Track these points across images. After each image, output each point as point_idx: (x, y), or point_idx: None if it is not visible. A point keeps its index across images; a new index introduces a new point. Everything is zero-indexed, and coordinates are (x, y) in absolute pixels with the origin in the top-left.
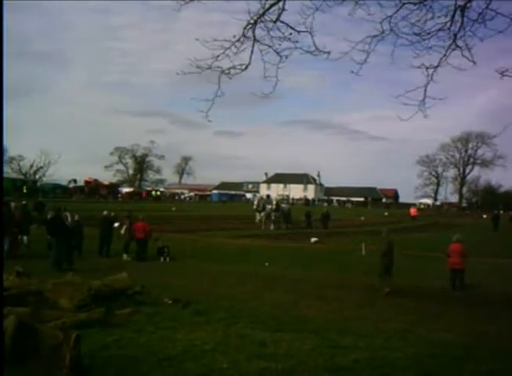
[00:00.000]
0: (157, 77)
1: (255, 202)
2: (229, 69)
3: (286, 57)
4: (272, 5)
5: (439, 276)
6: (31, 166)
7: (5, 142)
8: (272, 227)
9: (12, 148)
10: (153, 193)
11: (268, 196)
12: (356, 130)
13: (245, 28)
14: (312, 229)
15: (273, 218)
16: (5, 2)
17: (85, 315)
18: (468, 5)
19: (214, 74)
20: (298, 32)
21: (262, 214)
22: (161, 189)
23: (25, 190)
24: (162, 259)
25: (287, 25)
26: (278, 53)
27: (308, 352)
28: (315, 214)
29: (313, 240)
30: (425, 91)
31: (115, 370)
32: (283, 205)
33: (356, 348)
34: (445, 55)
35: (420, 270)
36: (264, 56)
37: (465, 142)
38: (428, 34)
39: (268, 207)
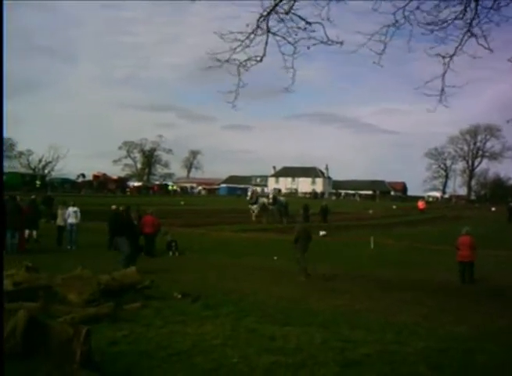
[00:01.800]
0: (166, 71)
1: (248, 193)
2: (246, 61)
3: (308, 48)
4: None
5: (448, 269)
6: (40, 161)
7: (13, 137)
8: (264, 221)
9: (20, 143)
10: (170, 186)
11: (279, 190)
12: (365, 123)
13: (258, 20)
14: (309, 222)
15: (271, 211)
16: (5, 2)
17: (94, 310)
18: None
19: (222, 70)
20: (310, 24)
21: (255, 206)
22: (169, 183)
23: (38, 185)
24: (171, 253)
25: (299, 17)
26: (292, 44)
27: (318, 346)
28: (317, 207)
29: (321, 233)
30: (443, 80)
31: (125, 365)
32: (281, 198)
33: (366, 342)
34: (460, 44)
35: (429, 263)
36: (281, 47)
37: (473, 134)
38: (443, 23)
39: (262, 199)
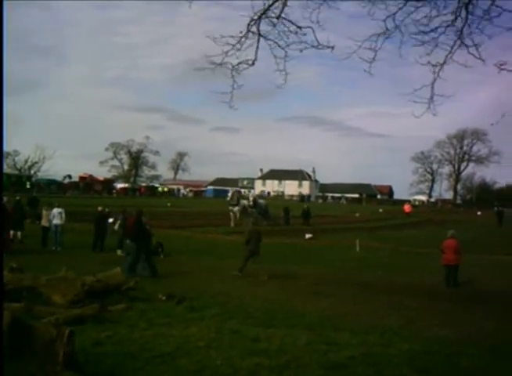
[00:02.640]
0: (156, 72)
1: (229, 195)
2: (238, 64)
3: (301, 51)
4: (274, 1)
5: (434, 272)
6: (26, 161)
7: (4, 140)
8: (244, 224)
9: (7, 143)
10: (160, 188)
11: (268, 192)
12: (352, 126)
13: (249, 24)
14: (290, 225)
15: (250, 213)
16: (5, 2)
17: (79, 311)
18: (473, 1)
19: (208, 71)
20: (300, 28)
21: (236, 208)
22: (156, 185)
23: (28, 186)
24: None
25: (290, 21)
26: (283, 48)
27: (302, 348)
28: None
29: (307, 236)
30: (432, 88)
31: (109, 366)
32: (261, 201)
33: (351, 344)
34: (450, 52)
35: (414, 267)
36: (272, 50)
37: (460, 138)
38: (434, 31)
39: (243, 202)
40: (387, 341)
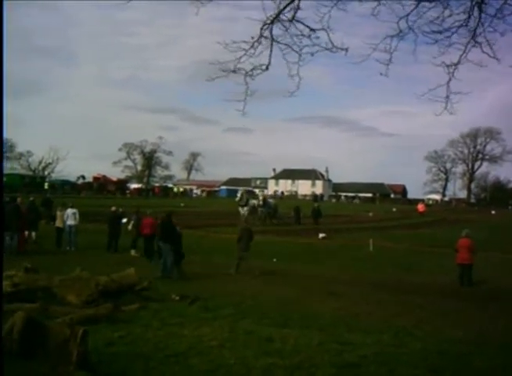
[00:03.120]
0: (168, 73)
1: (238, 195)
2: (252, 70)
3: (312, 54)
4: (287, 5)
5: (448, 271)
6: (40, 162)
7: (13, 138)
8: (251, 223)
9: (21, 144)
10: (176, 189)
11: (282, 192)
12: (365, 126)
13: (262, 28)
14: (300, 224)
15: (260, 213)
16: (5, 2)
17: (93, 311)
18: (486, 0)
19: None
20: (314, 30)
21: (245, 209)
22: (170, 185)
23: (47, 186)
24: None
25: (303, 23)
26: (297, 52)
27: (315, 348)
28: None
29: (321, 235)
30: (448, 87)
31: (122, 366)
32: (270, 200)
33: (363, 344)
34: (464, 52)
35: (428, 266)
36: (284, 55)
37: (474, 137)
38: (447, 31)
39: (253, 201)
40: (400, 341)
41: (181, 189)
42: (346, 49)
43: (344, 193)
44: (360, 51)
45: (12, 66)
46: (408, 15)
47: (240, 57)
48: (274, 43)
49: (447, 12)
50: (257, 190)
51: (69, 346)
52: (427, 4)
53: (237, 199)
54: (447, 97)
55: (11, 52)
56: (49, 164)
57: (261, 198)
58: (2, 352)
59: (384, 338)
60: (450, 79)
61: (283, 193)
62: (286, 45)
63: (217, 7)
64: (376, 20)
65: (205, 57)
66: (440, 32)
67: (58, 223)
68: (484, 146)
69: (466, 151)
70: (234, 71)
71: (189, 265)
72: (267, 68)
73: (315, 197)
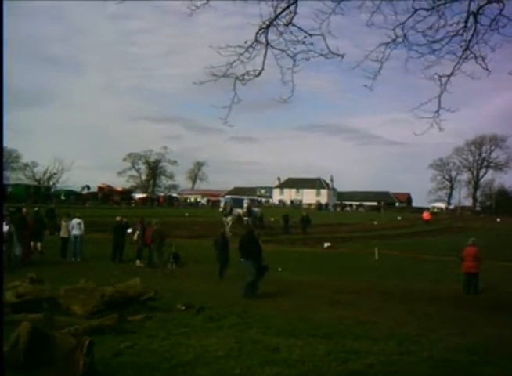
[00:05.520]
0: (173, 82)
1: (221, 205)
2: (243, 75)
3: (307, 60)
4: (284, 9)
5: (453, 280)
6: (45, 172)
7: (18, 149)
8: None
9: (25, 154)
10: (188, 199)
11: (292, 201)
12: (370, 134)
13: (257, 33)
14: (290, 234)
15: (245, 223)
16: (5, 2)
17: (98, 321)
18: (481, 11)
19: (229, 79)
20: (310, 35)
21: (229, 218)
22: (174, 195)
23: (63, 197)
24: (170, 265)
25: (300, 28)
26: (291, 57)
27: (322, 357)
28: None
29: (326, 245)
30: (439, 101)
31: None
32: (255, 209)
33: (370, 352)
34: (458, 63)
35: (434, 274)
36: (278, 60)
37: (479, 145)
38: (441, 41)
39: (237, 211)
40: (406, 350)
41: (191, 200)
42: (342, 55)
43: (349, 202)
44: (359, 59)
45: (19, 76)
46: (404, 23)
47: (233, 62)
48: (268, 50)
49: (442, 22)
50: (262, 199)
51: (75, 357)
52: (422, 13)
53: (220, 209)
54: (437, 111)
55: (17, 62)
56: (54, 174)
57: (245, 206)
58: (2, 352)
59: (390, 347)
60: (442, 92)
61: (260, 201)
62: (280, 50)
63: (223, 16)
64: (374, 30)
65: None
66: (434, 42)
67: (63, 233)
68: (490, 153)
69: (471, 159)
70: (224, 75)
71: (192, 274)
72: (260, 73)
73: (320, 206)
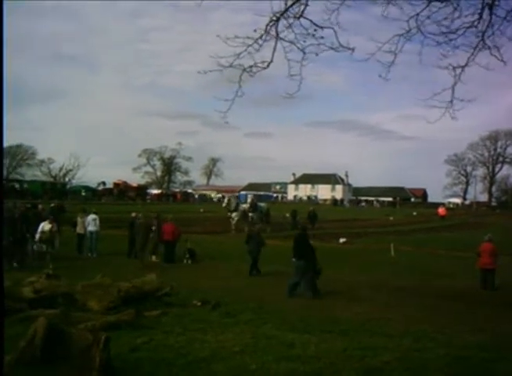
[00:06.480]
0: (187, 78)
1: (225, 201)
2: (251, 67)
3: (317, 54)
4: (295, 2)
5: (470, 276)
6: (61, 169)
7: (34, 145)
8: (246, 229)
9: (41, 151)
10: (207, 195)
11: (308, 196)
12: (385, 129)
13: (268, 25)
14: (298, 229)
15: (250, 219)
16: (5, 2)
17: (115, 317)
18: (496, 2)
19: (244, 75)
20: (321, 28)
21: (234, 214)
22: (189, 191)
23: (83, 193)
24: (185, 261)
25: (311, 21)
26: (301, 50)
27: (337, 353)
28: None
29: (342, 240)
30: (453, 92)
31: (145, 372)
32: (261, 204)
33: (386, 349)
34: (472, 54)
35: (450, 270)
36: (287, 53)
37: (494, 140)
38: (456, 32)
39: (243, 206)
40: (423, 346)
41: (212, 195)
42: (352, 49)
43: (365, 197)
44: (372, 52)
45: (36, 74)
46: (418, 14)
47: (240, 53)
48: (278, 43)
49: (456, 14)
50: (278, 195)
51: (91, 352)
52: (437, 4)
53: (224, 204)
54: (450, 102)
55: (33, 60)
56: (70, 170)
57: (249, 201)
58: (3, 352)
59: (407, 343)
60: (456, 82)
61: (309, 197)
62: (290, 42)
63: (237, 12)
64: (387, 22)
65: (224, 62)
66: (448, 33)
67: (79, 229)
68: (505, 148)
69: (486, 154)
70: (231, 66)
71: (208, 270)
72: (268, 65)
73: (335, 202)
